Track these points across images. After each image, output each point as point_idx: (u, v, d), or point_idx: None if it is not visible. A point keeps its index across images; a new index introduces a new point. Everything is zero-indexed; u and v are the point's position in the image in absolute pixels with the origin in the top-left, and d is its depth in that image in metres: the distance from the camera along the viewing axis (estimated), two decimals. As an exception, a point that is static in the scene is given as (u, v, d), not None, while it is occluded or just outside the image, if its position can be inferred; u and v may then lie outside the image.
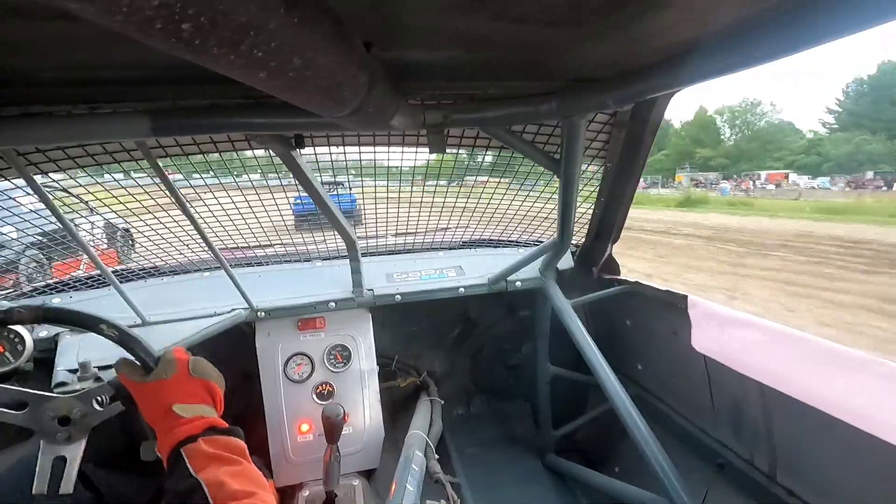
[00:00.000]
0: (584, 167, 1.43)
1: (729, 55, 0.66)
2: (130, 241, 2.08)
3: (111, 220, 1.81)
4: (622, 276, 1.78)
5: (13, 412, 0.91)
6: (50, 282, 1.62)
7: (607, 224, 1.66)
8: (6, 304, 1.37)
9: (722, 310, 1.31)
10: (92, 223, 1.78)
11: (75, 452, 0.94)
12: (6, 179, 1.13)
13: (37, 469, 0.91)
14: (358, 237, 1.56)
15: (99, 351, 1.20)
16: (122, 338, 0.92)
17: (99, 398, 0.96)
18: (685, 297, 1.41)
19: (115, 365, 0.93)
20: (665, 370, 1.65)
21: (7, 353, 1.29)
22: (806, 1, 0.54)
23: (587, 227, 1.74)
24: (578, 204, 1.41)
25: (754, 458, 1.26)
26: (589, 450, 2.07)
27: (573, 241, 1.78)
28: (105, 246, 2.23)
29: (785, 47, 0.58)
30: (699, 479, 1.41)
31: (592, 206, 1.64)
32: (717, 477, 1.38)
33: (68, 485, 0.92)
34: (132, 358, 0.93)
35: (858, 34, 0.52)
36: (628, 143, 1.33)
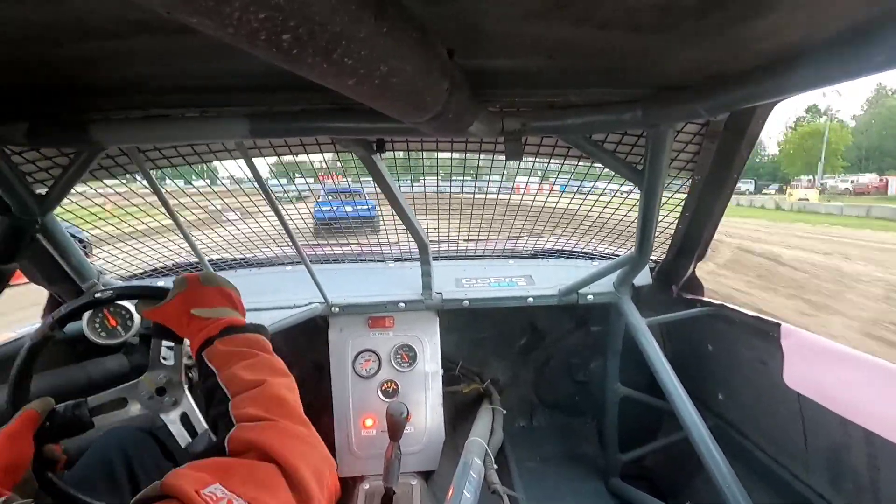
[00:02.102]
0: (668, 179, 1.36)
1: (846, 60, 0.59)
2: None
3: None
4: (706, 298, 1.65)
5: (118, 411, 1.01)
6: (157, 266, 1.81)
7: (692, 241, 1.56)
8: (117, 284, 1.55)
9: (821, 342, 1.17)
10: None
11: (189, 405, 1.04)
12: (129, 174, 1.29)
13: (174, 434, 1.02)
14: (430, 241, 1.59)
15: None
16: (121, 292, 1.01)
17: (164, 356, 1.05)
18: (778, 325, 1.29)
19: (135, 307, 1.00)
20: (751, 403, 1.51)
21: (119, 328, 1.46)
22: None
23: (668, 242, 1.65)
24: (660, 218, 1.34)
25: None
26: (658, 479, 1.94)
27: (652, 257, 1.69)
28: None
29: None
30: None
31: (676, 221, 1.54)
32: None
33: (201, 426, 1.03)
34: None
35: None
36: (720, 155, 1.24)
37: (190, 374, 1.07)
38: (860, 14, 0.55)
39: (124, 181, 1.38)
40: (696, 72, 0.81)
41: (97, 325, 1.44)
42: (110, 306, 1.41)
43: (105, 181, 1.32)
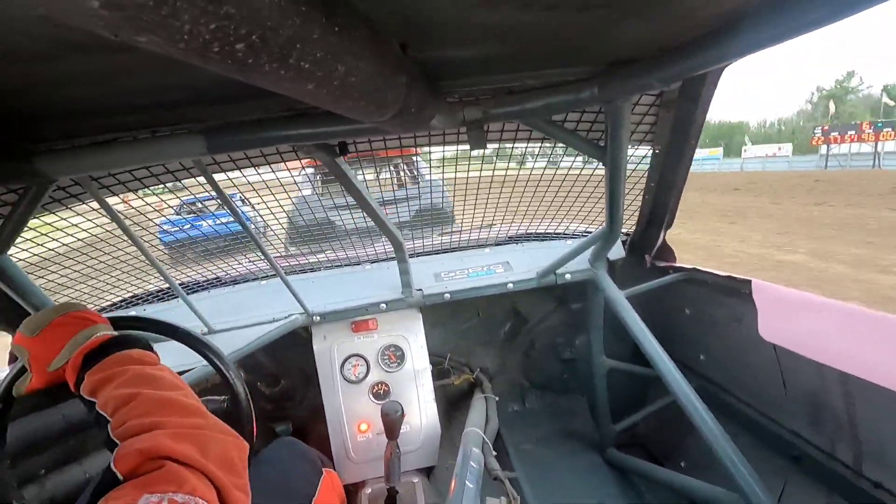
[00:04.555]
0: (630, 152, 1.38)
1: (782, 22, 0.62)
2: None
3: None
4: (678, 264, 1.70)
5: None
6: (126, 296, 1.75)
7: (659, 210, 1.60)
8: None
9: (791, 293, 1.23)
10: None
11: None
12: (83, 203, 1.23)
13: None
14: (404, 238, 1.58)
15: None
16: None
17: None
18: (748, 281, 1.34)
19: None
20: (731, 360, 1.57)
21: None
22: None
23: (637, 214, 1.69)
24: (627, 191, 1.37)
25: (835, 450, 1.18)
26: (652, 444, 2.00)
27: (623, 230, 1.73)
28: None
29: (840, 8, 0.54)
30: (773, 472, 1.33)
31: (642, 193, 1.58)
32: (793, 470, 1.30)
33: None
34: None
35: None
36: (677, 124, 1.28)
37: None
38: None
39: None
40: (645, 44, 0.83)
41: None
42: None
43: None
